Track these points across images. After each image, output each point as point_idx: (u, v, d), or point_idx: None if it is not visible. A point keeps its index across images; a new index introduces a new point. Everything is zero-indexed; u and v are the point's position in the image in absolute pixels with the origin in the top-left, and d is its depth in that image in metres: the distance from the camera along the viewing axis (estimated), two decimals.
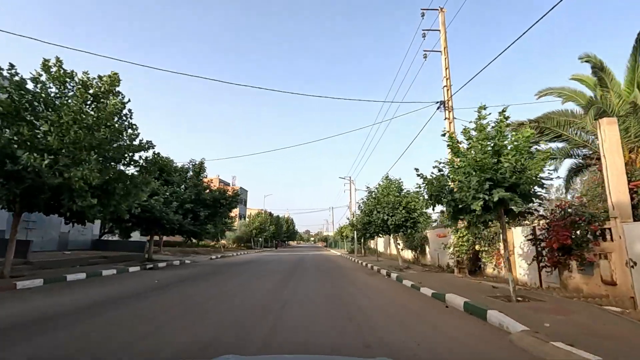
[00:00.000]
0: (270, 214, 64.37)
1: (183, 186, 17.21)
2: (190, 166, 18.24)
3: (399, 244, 17.25)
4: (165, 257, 19.32)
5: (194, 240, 20.49)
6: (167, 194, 15.27)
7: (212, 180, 25.59)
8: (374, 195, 15.20)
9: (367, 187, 15.84)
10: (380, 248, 31.43)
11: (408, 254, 21.53)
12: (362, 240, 27.49)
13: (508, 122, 6.34)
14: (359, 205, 16.27)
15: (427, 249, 18.04)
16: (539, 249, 8.30)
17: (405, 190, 14.70)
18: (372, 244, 30.80)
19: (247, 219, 53.21)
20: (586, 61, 10.86)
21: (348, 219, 28.63)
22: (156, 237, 18.88)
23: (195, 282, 10.18)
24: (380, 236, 16.59)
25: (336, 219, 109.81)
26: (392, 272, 12.50)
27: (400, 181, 14.88)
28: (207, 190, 18.03)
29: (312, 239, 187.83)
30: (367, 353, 3.78)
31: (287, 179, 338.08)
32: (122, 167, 11.06)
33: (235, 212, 59.69)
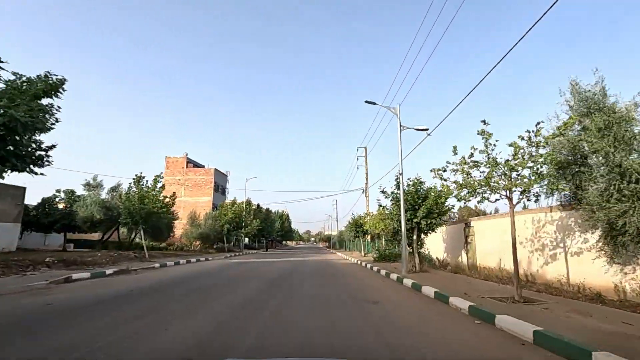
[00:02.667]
0: (258, 206, 49.51)
1: None
2: None
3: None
4: None
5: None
6: None
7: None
8: None
9: None
10: (438, 253, 16.66)
11: (580, 265, 7.03)
12: (414, 238, 12.90)
13: None
14: None
15: None
16: None
17: None
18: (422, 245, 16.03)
19: (218, 210, 38.38)
20: None
21: (384, 191, 14.17)
22: None
23: None
24: None
25: (341, 214, 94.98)
26: None
27: None
28: None
29: (312, 239, 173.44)
30: None
31: (286, 170, 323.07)
32: None
33: (206, 199, 45.10)
